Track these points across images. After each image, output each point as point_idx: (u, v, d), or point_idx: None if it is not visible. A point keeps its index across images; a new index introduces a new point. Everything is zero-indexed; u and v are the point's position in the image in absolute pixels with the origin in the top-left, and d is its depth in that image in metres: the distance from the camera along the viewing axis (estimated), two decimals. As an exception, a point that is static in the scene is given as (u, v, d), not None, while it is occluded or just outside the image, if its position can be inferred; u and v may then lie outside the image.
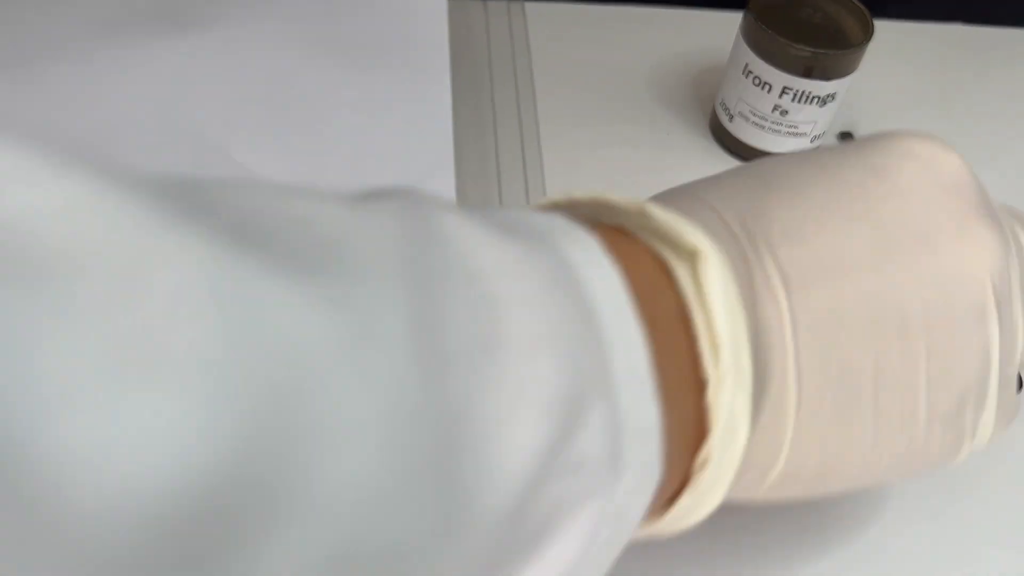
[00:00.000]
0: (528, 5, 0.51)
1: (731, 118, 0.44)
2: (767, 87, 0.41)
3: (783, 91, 0.41)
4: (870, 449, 0.22)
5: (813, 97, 0.41)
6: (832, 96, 0.41)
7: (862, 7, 0.41)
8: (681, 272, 0.19)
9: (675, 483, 0.19)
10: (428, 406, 0.14)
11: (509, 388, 0.15)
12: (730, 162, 0.45)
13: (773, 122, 0.42)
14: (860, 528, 0.32)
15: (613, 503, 0.17)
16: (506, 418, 0.15)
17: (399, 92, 0.43)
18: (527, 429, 0.15)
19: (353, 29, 0.46)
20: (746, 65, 0.41)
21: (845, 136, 0.47)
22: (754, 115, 0.42)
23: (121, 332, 0.11)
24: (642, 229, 0.20)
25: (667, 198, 0.23)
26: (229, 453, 0.11)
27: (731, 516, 0.31)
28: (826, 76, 0.40)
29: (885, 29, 0.44)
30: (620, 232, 0.20)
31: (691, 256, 0.19)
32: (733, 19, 0.44)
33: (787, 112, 0.42)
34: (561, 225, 0.19)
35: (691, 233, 0.19)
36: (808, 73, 0.40)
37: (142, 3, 0.44)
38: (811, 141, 0.43)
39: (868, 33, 0.40)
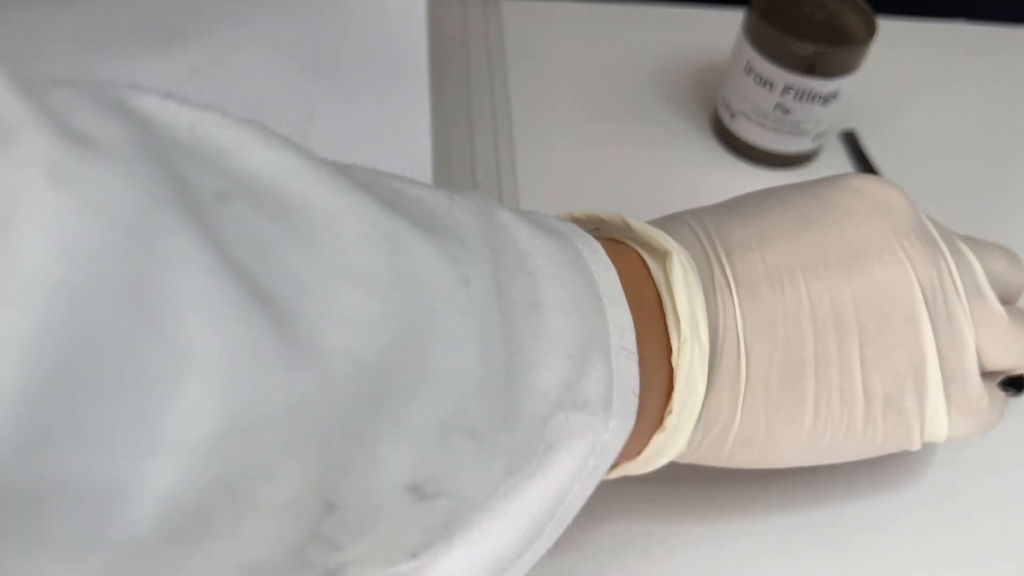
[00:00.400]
0: (507, 4, 0.50)
1: (732, 116, 0.43)
2: (769, 85, 0.41)
3: (785, 89, 0.40)
4: (813, 420, 0.26)
5: (816, 95, 0.40)
6: (835, 94, 0.41)
7: (865, 4, 0.41)
8: (654, 267, 0.26)
9: (651, 430, 0.25)
10: (500, 338, 0.20)
11: (545, 339, 0.22)
12: (731, 161, 0.44)
13: (775, 121, 0.42)
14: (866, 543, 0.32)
15: (601, 440, 0.23)
16: (542, 358, 0.21)
17: (377, 92, 0.43)
18: (553, 368, 0.22)
19: (334, 28, 0.46)
20: (748, 63, 0.41)
21: (848, 135, 0.46)
22: (756, 113, 0.42)
23: (333, 253, 0.17)
24: (627, 238, 0.27)
25: (655, 220, 0.29)
26: (395, 333, 0.18)
27: (736, 526, 0.31)
28: (828, 74, 0.40)
29: (888, 27, 0.44)
30: (613, 240, 0.27)
31: (663, 256, 0.25)
32: (735, 16, 0.43)
33: (789, 111, 0.41)
34: (574, 229, 0.25)
35: (661, 238, 0.26)
36: (810, 71, 0.40)
37: (128, 18, 0.43)
38: (813, 140, 0.43)
39: (871, 31, 0.40)
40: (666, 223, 0.28)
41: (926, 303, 0.27)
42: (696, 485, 0.32)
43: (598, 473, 0.23)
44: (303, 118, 0.41)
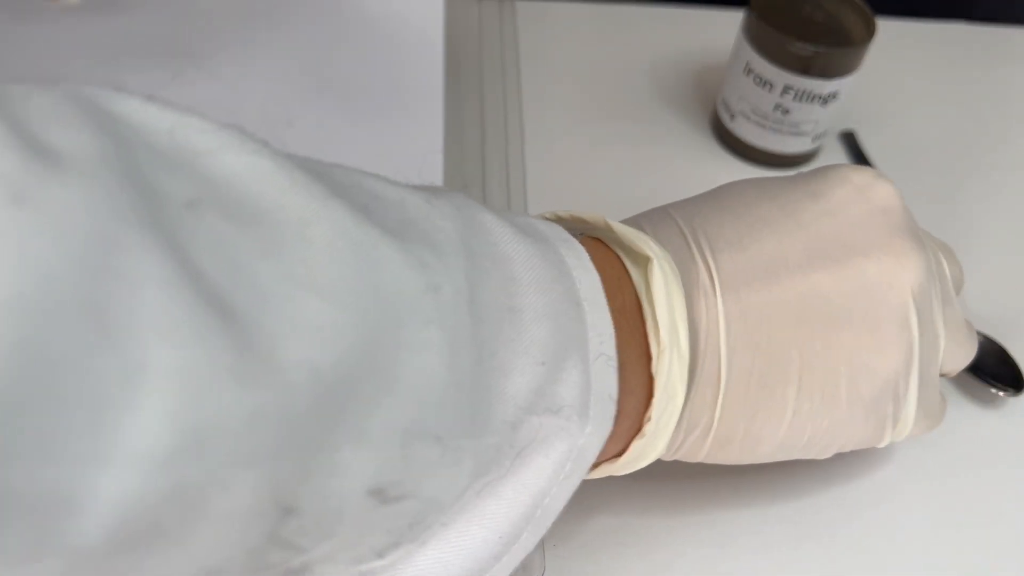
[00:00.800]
0: (520, 4, 0.51)
1: (732, 117, 0.43)
2: (768, 86, 0.41)
3: (784, 90, 0.40)
4: (791, 421, 0.26)
5: (814, 96, 0.41)
6: (834, 95, 0.41)
7: (864, 5, 0.41)
8: (635, 273, 0.25)
9: (631, 433, 0.25)
10: (470, 344, 0.20)
11: (519, 344, 0.21)
12: (731, 161, 0.44)
13: (775, 121, 0.42)
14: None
15: (578, 445, 0.23)
16: (514, 363, 0.21)
17: (393, 88, 0.43)
18: (525, 374, 0.21)
19: (351, 28, 0.46)
20: (747, 63, 0.41)
21: (847, 135, 0.46)
22: (755, 114, 0.42)
23: (299, 262, 0.17)
24: (609, 239, 0.26)
25: (645, 214, 0.28)
26: (357, 343, 0.18)
27: (733, 525, 0.31)
28: (827, 75, 0.40)
29: (888, 27, 0.44)
30: (596, 241, 0.26)
31: (645, 261, 0.25)
32: (735, 17, 0.43)
33: (788, 111, 0.41)
34: (560, 233, 0.25)
35: (643, 243, 0.25)
36: (809, 71, 0.40)
37: (141, 35, 0.44)
38: (812, 140, 0.43)
39: (870, 31, 0.40)
40: (653, 217, 0.28)
41: (916, 309, 0.26)
42: (691, 478, 0.32)
43: (576, 477, 0.23)
44: (317, 114, 0.41)
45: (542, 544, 0.29)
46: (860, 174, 0.28)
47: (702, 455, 0.27)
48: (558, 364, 0.22)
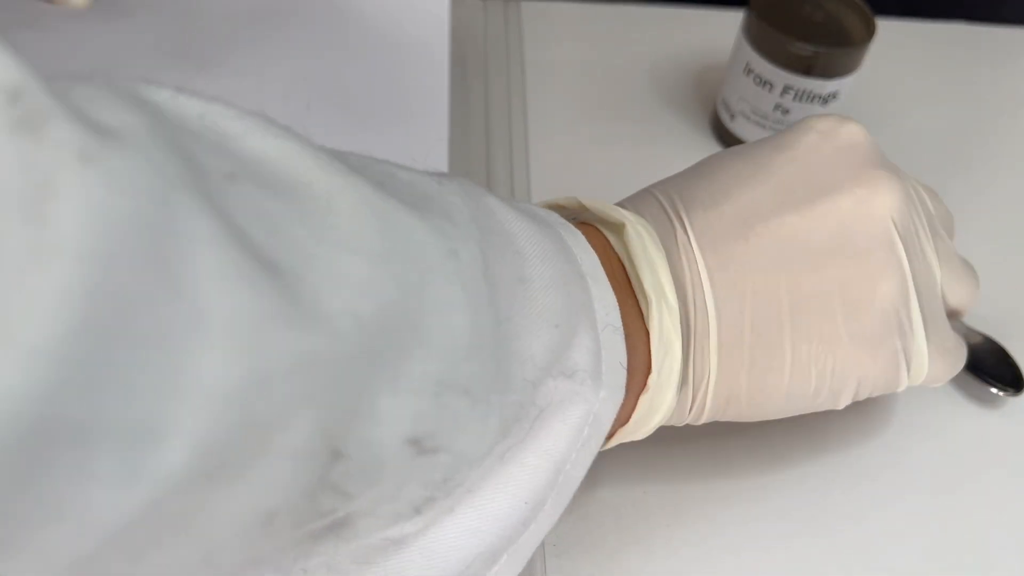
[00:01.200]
0: (525, 4, 0.51)
1: (732, 117, 0.43)
2: (768, 86, 0.41)
3: (784, 90, 0.41)
4: (792, 366, 0.26)
5: (815, 96, 0.41)
6: (834, 95, 0.41)
7: (864, 5, 0.41)
8: (615, 241, 0.27)
9: (638, 392, 0.25)
10: (489, 306, 0.21)
11: (532, 310, 0.23)
12: (731, 161, 0.45)
13: (775, 121, 0.42)
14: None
15: (593, 410, 0.24)
16: (529, 327, 0.23)
17: (400, 86, 0.43)
18: (541, 337, 0.23)
19: (357, 27, 0.46)
20: (747, 63, 0.41)
21: (847, 135, 0.47)
22: (755, 114, 0.42)
23: (332, 227, 0.19)
24: (589, 219, 0.28)
25: (628, 197, 0.30)
26: (393, 296, 0.19)
27: (733, 514, 0.31)
28: (827, 75, 0.40)
29: (888, 28, 0.44)
30: (579, 223, 0.28)
31: (621, 228, 0.27)
32: (735, 17, 0.43)
33: (789, 111, 0.41)
34: (556, 218, 0.27)
35: (615, 211, 0.27)
36: (809, 71, 0.40)
37: (145, 39, 0.44)
38: (813, 140, 0.43)
39: (870, 31, 0.40)
40: (634, 197, 0.29)
41: (900, 233, 0.27)
42: (689, 448, 0.32)
43: (594, 443, 0.24)
44: (321, 113, 0.41)
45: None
46: (824, 121, 0.28)
47: (708, 413, 0.27)
48: (570, 329, 0.23)
